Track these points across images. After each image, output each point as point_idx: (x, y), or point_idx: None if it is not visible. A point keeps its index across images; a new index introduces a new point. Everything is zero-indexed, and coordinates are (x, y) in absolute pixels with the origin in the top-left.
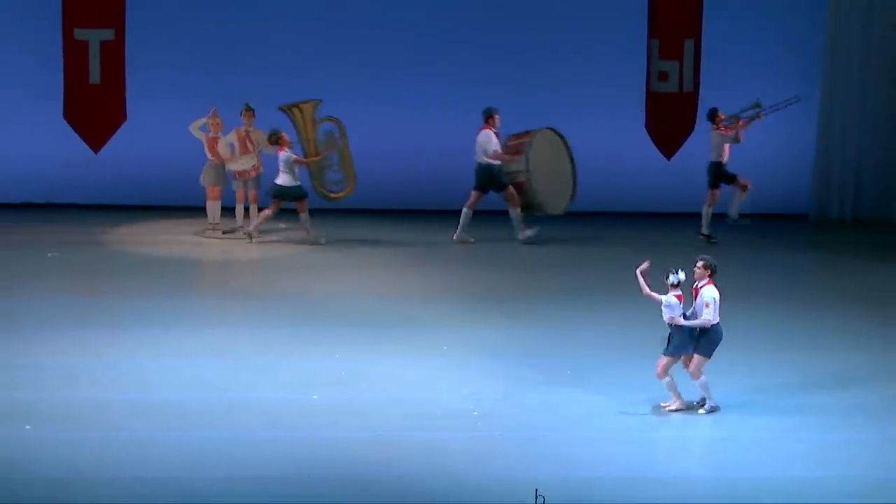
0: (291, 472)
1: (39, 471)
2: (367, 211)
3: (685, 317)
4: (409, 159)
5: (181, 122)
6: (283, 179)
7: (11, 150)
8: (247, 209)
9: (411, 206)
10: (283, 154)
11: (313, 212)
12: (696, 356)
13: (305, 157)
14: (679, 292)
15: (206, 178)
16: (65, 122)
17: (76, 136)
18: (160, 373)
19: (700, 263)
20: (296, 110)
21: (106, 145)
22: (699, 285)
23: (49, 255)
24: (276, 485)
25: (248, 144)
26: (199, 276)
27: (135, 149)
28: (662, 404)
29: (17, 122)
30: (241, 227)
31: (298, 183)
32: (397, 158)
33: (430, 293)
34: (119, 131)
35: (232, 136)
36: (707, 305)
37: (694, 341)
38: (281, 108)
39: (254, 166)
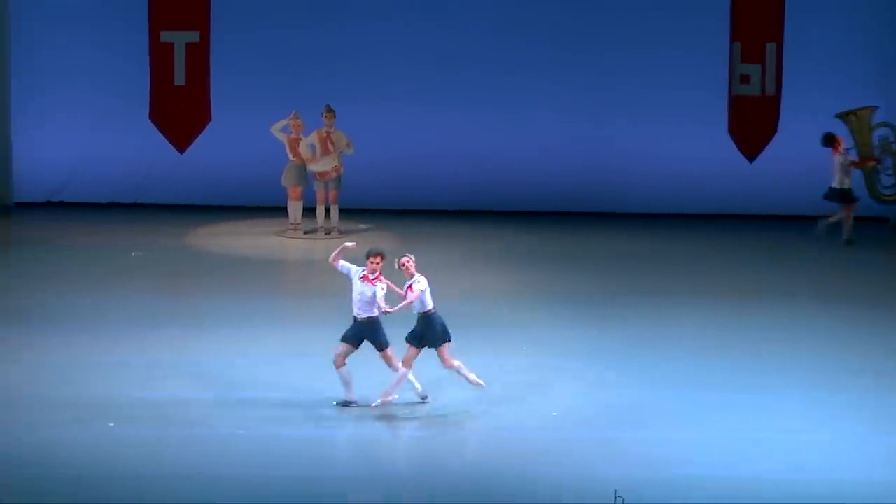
0: (368, 471)
1: (123, 468)
2: (447, 212)
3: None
4: (487, 160)
5: (263, 123)
6: (837, 182)
7: (99, 152)
8: (327, 210)
9: (493, 207)
10: (839, 157)
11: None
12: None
13: (860, 160)
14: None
15: (287, 179)
16: (151, 123)
17: (162, 137)
18: (242, 372)
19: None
20: (852, 117)
21: (191, 146)
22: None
23: (133, 254)
24: (353, 484)
25: (329, 145)
26: (280, 276)
27: (219, 150)
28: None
29: (104, 124)
30: (322, 227)
31: (849, 187)
32: (476, 159)
33: (510, 292)
34: (204, 132)
35: (313, 138)
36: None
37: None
38: (837, 116)
39: (334, 167)
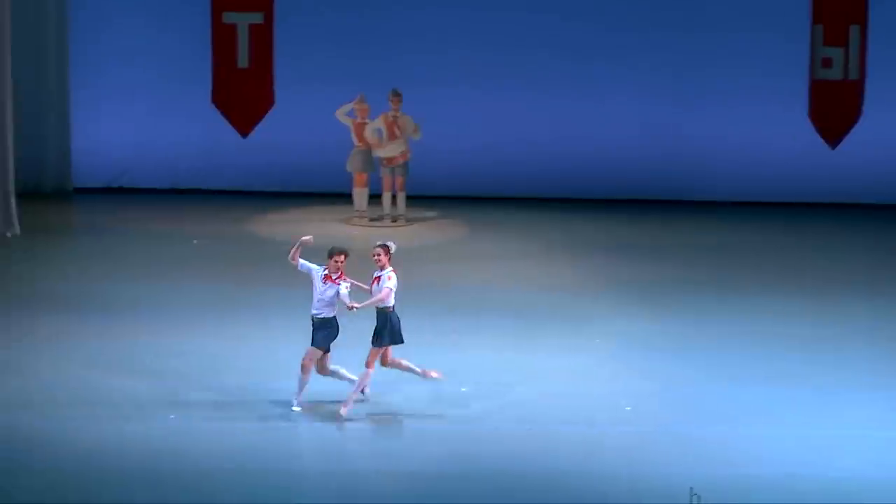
0: (438, 467)
1: (186, 461)
2: (516, 199)
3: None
4: (557, 146)
5: (328, 107)
6: None
7: (159, 136)
8: (394, 197)
9: (564, 194)
10: None
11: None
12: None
13: None
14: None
15: (352, 165)
16: (212, 106)
17: (224, 120)
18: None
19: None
20: None
21: (254, 130)
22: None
23: (194, 242)
24: (422, 480)
25: (396, 130)
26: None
27: (282, 134)
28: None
29: (164, 108)
30: (388, 215)
31: None
32: (545, 145)
33: (582, 284)
34: (267, 116)
35: (379, 122)
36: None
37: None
38: None
39: (402, 152)
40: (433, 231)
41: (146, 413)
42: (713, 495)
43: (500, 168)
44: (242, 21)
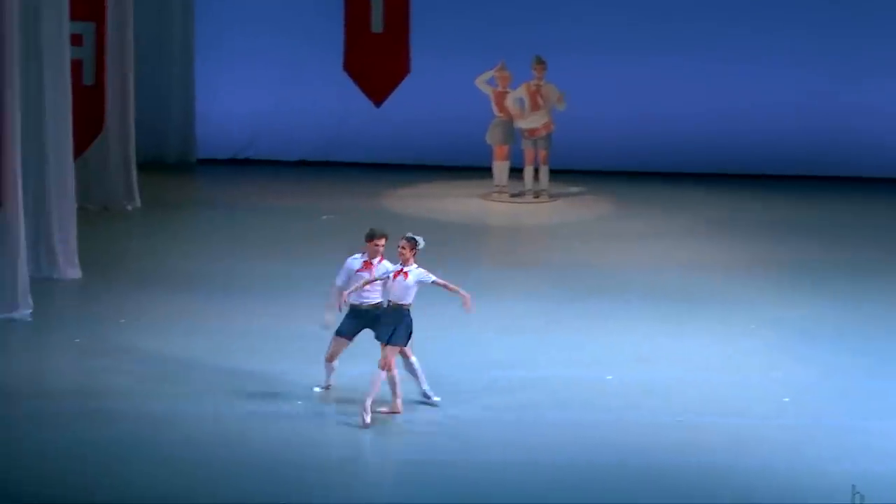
0: (580, 457)
1: (318, 451)
2: (666, 174)
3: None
4: (710, 118)
5: (467, 75)
6: None
7: (288, 105)
8: (536, 171)
9: (716, 169)
10: None
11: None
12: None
13: None
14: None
15: (492, 137)
16: (345, 74)
17: (357, 89)
18: (440, 348)
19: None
20: None
21: (388, 99)
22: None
23: (323, 217)
24: (562, 472)
25: (539, 100)
26: (484, 243)
27: (418, 104)
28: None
29: (294, 76)
30: (530, 190)
31: None
32: (697, 117)
33: (735, 265)
34: (402, 84)
35: (521, 91)
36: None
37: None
38: None
39: (544, 124)
40: (577, 208)
41: (270, 398)
42: (877, 494)
43: (648, 141)
44: None
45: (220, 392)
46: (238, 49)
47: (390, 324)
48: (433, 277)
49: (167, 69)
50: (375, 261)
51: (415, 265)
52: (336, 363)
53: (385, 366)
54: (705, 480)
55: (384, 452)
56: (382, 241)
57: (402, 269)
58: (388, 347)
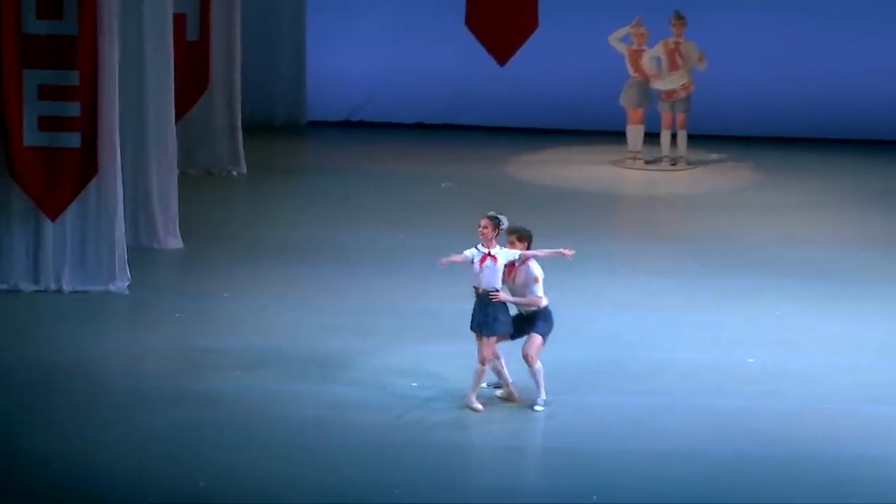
0: (717, 447)
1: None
2: (815, 140)
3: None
4: (868, 81)
5: (600, 31)
6: None
7: (405, 64)
8: (674, 136)
9: (870, 135)
10: None
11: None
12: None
13: None
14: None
15: (627, 99)
16: (466, 29)
17: (479, 46)
18: (566, 326)
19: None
20: None
21: (513, 57)
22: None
23: (443, 185)
24: (697, 462)
25: (678, 59)
26: (615, 213)
27: (546, 62)
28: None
29: (411, 32)
30: (667, 156)
31: None
32: (854, 80)
33: (892, 239)
34: (528, 41)
35: (658, 49)
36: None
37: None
38: None
39: (683, 85)
40: (717, 176)
41: (383, 381)
42: None
43: (795, 104)
44: None
45: (329, 374)
46: (352, 2)
47: (486, 313)
48: (519, 251)
49: (276, 24)
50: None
51: (498, 246)
52: (499, 359)
53: (484, 360)
54: (855, 473)
55: (508, 439)
56: (513, 238)
57: (488, 253)
58: (484, 339)
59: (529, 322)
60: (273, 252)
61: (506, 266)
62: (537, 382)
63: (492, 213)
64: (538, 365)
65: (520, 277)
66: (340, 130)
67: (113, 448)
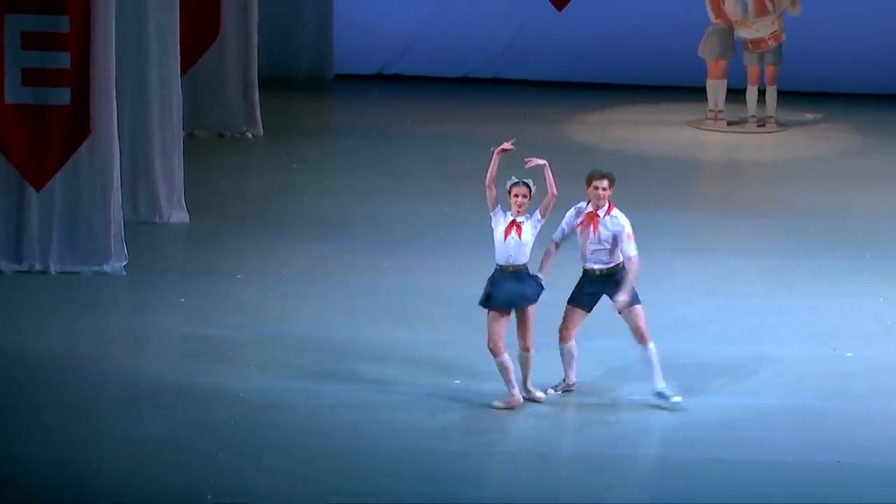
0: (814, 457)
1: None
2: None
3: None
4: None
5: None
6: None
7: (450, 9)
8: (762, 93)
9: None
10: None
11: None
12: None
13: None
14: None
15: (706, 49)
16: None
17: None
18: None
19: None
20: None
21: (572, 2)
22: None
23: (492, 149)
24: (787, 472)
25: (767, 3)
26: (694, 182)
27: (608, 9)
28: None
29: None
30: (754, 116)
31: None
32: None
33: None
34: None
35: None
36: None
37: None
38: None
39: (773, 34)
40: (813, 139)
41: (421, 376)
42: None
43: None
44: None
45: (360, 369)
46: None
47: (516, 292)
48: (538, 214)
49: None
50: (602, 211)
51: (533, 213)
52: (572, 344)
53: (528, 347)
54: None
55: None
56: (605, 184)
57: (514, 222)
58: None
59: (612, 286)
60: (294, 227)
61: (582, 220)
62: (653, 367)
63: (524, 179)
64: (651, 344)
65: (604, 232)
66: (373, 85)
67: (106, 454)
